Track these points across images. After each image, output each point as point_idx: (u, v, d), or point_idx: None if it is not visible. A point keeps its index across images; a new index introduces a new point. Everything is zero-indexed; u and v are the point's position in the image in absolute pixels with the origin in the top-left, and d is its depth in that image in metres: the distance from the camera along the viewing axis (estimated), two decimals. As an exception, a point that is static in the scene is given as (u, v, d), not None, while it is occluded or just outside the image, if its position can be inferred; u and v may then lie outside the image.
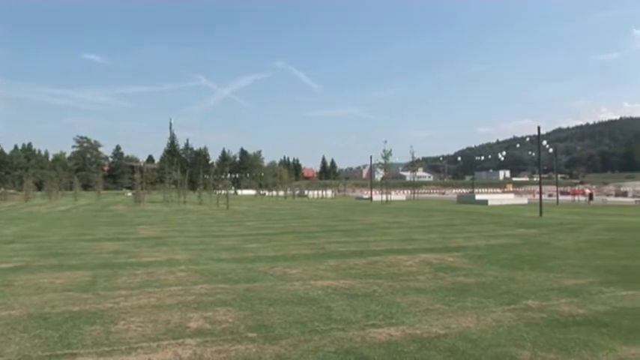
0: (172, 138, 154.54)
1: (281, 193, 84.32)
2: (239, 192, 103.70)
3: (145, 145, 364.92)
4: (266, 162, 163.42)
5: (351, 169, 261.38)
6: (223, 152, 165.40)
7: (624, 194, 75.45)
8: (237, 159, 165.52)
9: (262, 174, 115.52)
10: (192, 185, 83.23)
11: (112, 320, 6.76)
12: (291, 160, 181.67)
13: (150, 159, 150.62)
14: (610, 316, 6.79)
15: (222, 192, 51.90)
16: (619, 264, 11.39)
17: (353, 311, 7.14)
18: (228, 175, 77.76)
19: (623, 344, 5.58)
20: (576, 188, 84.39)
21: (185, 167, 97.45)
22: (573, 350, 5.39)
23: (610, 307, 7.29)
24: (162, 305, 7.58)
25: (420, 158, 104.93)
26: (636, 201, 51.68)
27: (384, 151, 62.81)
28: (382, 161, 64.48)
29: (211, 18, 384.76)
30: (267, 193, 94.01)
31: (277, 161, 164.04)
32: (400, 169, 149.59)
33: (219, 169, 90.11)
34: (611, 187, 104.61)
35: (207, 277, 10.04)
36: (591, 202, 53.32)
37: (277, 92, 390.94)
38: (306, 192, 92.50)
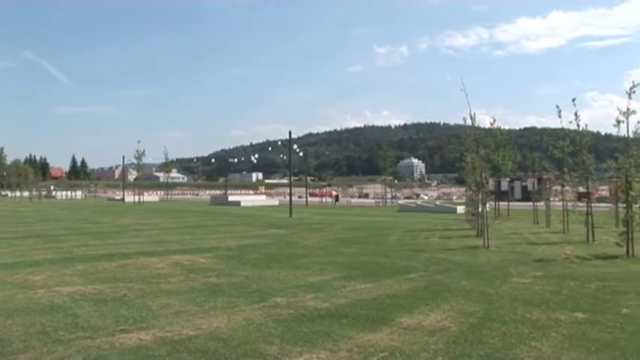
0: None
1: (26, 193, 78.49)
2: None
3: None
4: (9, 160, 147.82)
5: (102, 169, 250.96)
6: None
7: (366, 196, 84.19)
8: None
9: (4, 173, 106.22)
10: None
11: None
12: (37, 158, 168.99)
13: None
14: (350, 307, 7.54)
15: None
16: (359, 260, 12.71)
17: (102, 317, 6.86)
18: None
19: (360, 332, 6.24)
20: (324, 190, 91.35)
21: None
22: (317, 341, 5.86)
23: (350, 299, 8.10)
24: None
25: (174, 159, 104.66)
26: (376, 202, 57.90)
27: (137, 151, 62.50)
28: (135, 162, 63.93)
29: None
30: (9, 194, 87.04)
31: (22, 159, 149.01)
32: (154, 169, 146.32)
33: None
34: (355, 190, 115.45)
35: None
36: (337, 203, 58.33)
37: (24, 84, 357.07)
38: (54, 193, 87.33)
